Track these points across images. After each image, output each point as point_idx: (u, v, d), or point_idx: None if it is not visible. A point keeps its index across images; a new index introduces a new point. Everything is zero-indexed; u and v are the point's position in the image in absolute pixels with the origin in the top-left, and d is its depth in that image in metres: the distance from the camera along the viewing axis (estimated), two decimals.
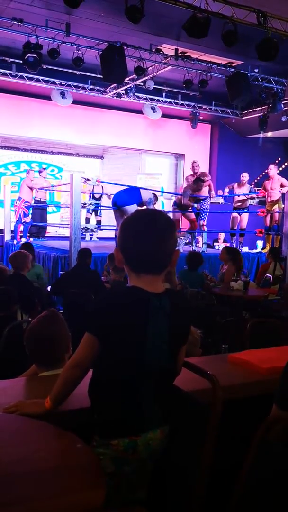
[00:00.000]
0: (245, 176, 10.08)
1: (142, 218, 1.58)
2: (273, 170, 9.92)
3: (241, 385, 1.97)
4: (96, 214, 11.71)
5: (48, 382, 1.79)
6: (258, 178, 13.47)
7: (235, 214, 10.27)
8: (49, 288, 6.01)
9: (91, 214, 11.63)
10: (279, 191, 9.63)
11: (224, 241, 12.08)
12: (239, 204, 10.21)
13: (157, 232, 1.52)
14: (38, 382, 1.94)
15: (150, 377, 1.52)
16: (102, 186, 11.15)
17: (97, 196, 11.21)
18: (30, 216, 10.74)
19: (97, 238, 11.39)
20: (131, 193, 8.52)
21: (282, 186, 9.69)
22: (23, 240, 9.89)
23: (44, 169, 11.51)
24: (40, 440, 1.37)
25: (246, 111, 12.74)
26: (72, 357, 1.57)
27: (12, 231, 10.68)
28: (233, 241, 10.45)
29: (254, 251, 10.24)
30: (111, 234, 9.76)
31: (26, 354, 2.12)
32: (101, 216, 11.78)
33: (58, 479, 1.17)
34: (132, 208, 8.10)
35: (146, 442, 1.51)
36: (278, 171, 10.36)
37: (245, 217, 10.18)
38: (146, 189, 9.08)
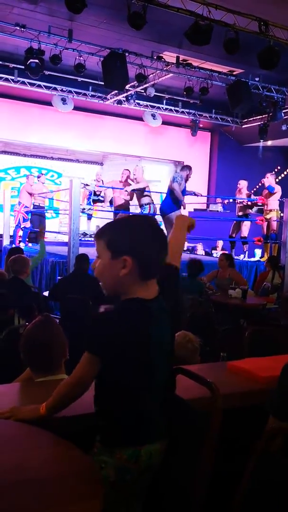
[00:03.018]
0: (241, 183, 10.04)
1: (149, 224, 1.53)
2: (269, 178, 9.92)
3: (240, 394, 1.94)
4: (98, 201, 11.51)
5: (44, 387, 1.76)
6: (257, 186, 13.48)
7: (235, 222, 10.24)
8: (46, 293, 5.98)
9: (90, 220, 11.62)
10: (279, 199, 9.62)
11: (223, 249, 12.06)
12: (240, 213, 10.19)
13: (164, 235, 1.54)
14: (34, 388, 1.91)
15: (159, 385, 1.50)
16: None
17: (98, 192, 11.19)
18: (29, 221, 10.72)
19: None
20: (173, 198, 8.32)
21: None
22: (22, 245, 9.86)
23: (42, 174, 11.50)
24: (35, 448, 1.33)
25: (246, 120, 12.77)
26: (72, 374, 1.50)
27: (11, 236, 10.65)
28: (232, 250, 10.36)
29: (253, 259, 10.20)
30: None
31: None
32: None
33: (52, 489, 1.13)
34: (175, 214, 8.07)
35: (148, 453, 1.47)
36: (277, 180, 10.35)
37: (246, 225, 10.14)
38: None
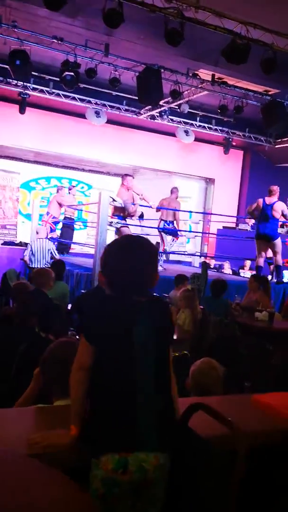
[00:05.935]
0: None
1: (124, 246, 1.64)
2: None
3: (264, 433, 1.81)
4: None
5: (65, 412, 1.67)
6: None
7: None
8: (69, 306, 5.93)
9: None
10: None
11: (250, 268, 11.86)
12: None
13: (136, 260, 1.57)
14: (54, 412, 1.83)
15: (142, 386, 1.46)
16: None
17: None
18: (57, 232, 10.75)
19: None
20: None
21: None
22: None
23: (73, 186, 11.54)
24: (43, 488, 1.24)
25: (280, 140, 12.63)
26: (74, 361, 1.56)
27: None
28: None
29: None
30: None
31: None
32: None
33: None
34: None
35: (138, 463, 1.39)
36: None
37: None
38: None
